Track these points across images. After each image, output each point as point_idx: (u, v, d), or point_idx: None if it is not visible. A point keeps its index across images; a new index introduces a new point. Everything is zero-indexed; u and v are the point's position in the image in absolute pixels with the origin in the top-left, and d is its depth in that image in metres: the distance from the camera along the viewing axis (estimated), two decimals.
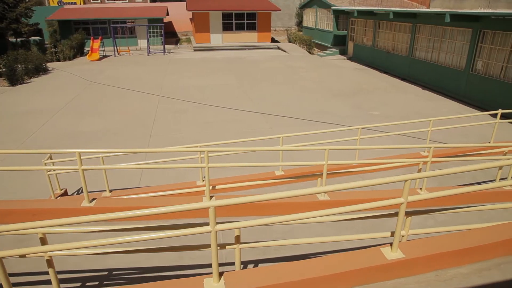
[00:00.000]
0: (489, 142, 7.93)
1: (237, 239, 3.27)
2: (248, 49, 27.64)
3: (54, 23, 28.06)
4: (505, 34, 11.65)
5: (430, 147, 5.13)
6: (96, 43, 24.74)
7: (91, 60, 23.80)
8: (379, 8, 19.14)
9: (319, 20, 27.04)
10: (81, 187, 8.05)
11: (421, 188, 5.52)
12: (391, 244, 3.36)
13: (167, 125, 11.34)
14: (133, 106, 13.32)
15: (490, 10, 13.65)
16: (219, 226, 2.94)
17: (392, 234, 3.47)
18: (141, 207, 4.64)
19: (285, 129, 10.41)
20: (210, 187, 5.92)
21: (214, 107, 12.95)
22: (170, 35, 35.74)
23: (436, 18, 14.27)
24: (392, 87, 15.90)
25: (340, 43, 24.50)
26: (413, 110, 12.56)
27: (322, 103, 13.35)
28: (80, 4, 34.94)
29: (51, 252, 3.17)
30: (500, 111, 7.59)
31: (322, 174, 6.85)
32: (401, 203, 3.08)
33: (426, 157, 7.03)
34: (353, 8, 20.89)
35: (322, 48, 26.17)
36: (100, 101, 14.15)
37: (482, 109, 12.48)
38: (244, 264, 4.21)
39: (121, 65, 22.13)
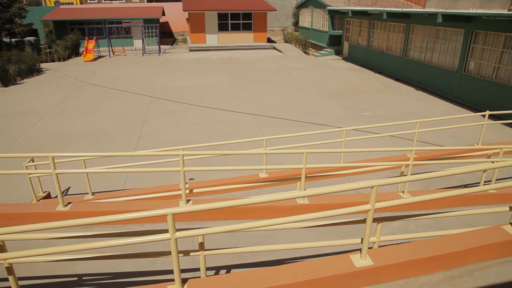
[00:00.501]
0: (477, 144, 7.86)
1: (201, 246, 3.20)
2: (244, 49, 27.56)
3: (50, 24, 27.96)
4: (496, 35, 11.58)
5: (411, 150, 5.04)
6: (91, 44, 24.65)
7: (86, 61, 23.71)
8: (373, 8, 19.06)
9: (315, 20, 26.97)
10: (69, 188, 8.04)
11: (403, 192, 5.45)
12: (360, 251, 3.29)
13: (156, 126, 11.26)
14: (123, 107, 13.23)
15: (482, 11, 13.59)
16: (178, 234, 2.87)
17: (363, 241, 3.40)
18: (113, 212, 4.57)
19: (275, 130, 10.33)
20: (189, 191, 5.84)
21: (205, 108, 12.87)
22: (166, 35, 35.66)
23: (428, 18, 14.20)
24: (385, 88, 15.83)
25: (335, 43, 24.42)
26: (405, 110, 12.49)
27: (314, 104, 13.28)
28: (76, 4, 34.81)
29: (11, 260, 3.09)
30: (487, 112, 7.52)
31: (306, 176, 6.79)
32: (368, 210, 3.00)
33: (416, 159, 6.96)
34: (348, 8, 20.82)
35: (318, 48, 26.10)
36: (91, 102, 14.06)
37: (475, 109, 12.42)
38: (217, 269, 4.13)
39: (115, 65, 22.04)
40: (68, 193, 7.68)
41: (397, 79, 17.19)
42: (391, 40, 17.95)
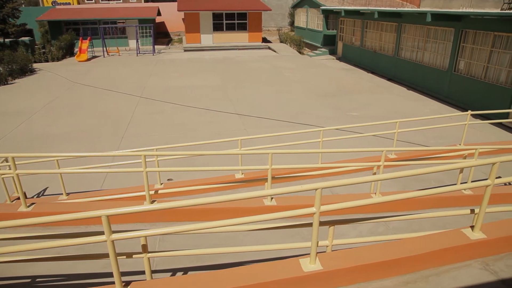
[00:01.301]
0: (459, 144, 7.74)
1: (144, 248, 3.10)
2: (239, 49, 27.47)
3: (46, 24, 27.95)
4: (485, 34, 11.45)
5: (383, 151, 4.93)
6: (85, 44, 24.59)
7: (79, 61, 23.65)
8: (365, 8, 18.95)
9: (309, 20, 26.86)
10: (46, 189, 7.96)
11: (375, 193, 5.34)
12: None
13: (141, 126, 11.17)
14: (111, 108, 13.15)
15: (472, 10, 13.45)
16: (115, 236, 2.77)
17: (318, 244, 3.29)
18: (73, 212, 4.47)
19: (259, 130, 10.22)
20: (152, 192, 5.74)
21: (192, 108, 12.78)
22: (162, 35, 35.60)
23: (418, 18, 14.08)
24: (377, 88, 15.71)
25: (330, 43, 24.31)
26: (394, 110, 12.37)
27: (303, 104, 13.17)
28: (73, 4, 34.77)
29: None
30: (469, 113, 7.40)
31: (286, 176, 6.68)
32: (314, 213, 2.90)
33: (390, 160, 6.86)
34: (341, 7, 20.70)
35: (313, 48, 25.99)
36: (80, 102, 13.99)
37: (464, 109, 12.28)
38: (174, 271, 4.03)
39: (108, 66, 21.98)
40: (44, 194, 7.61)
41: (389, 79, 17.07)
42: (383, 40, 17.83)
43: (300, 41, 26.17)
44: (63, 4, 34.50)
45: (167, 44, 31.47)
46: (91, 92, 15.54)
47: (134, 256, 3.21)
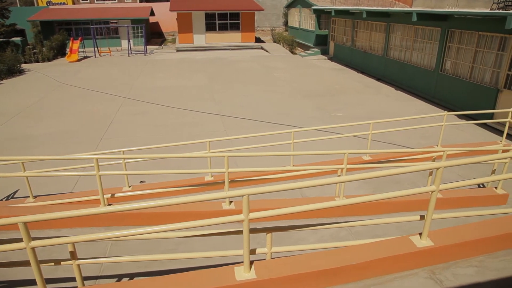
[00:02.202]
0: (436, 146, 7.60)
1: (72, 255, 2.96)
2: (231, 49, 27.33)
3: (39, 24, 27.81)
4: (470, 33, 11.32)
5: (345, 153, 4.79)
6: (76, 44, 24.45)
7: (70, 61, 23.51)
8: (355, 7, 18.81)
9: (302, 19, 26.72)
10: (17, 191, 7.81)
11: (339, 196, 5.20)
12: (251, 262, 3.05)
13: (122, 127, 11.04)
14: (95, 108, 13.01)
15: (458, 9, 13.32)
16: (35, 243, 2.64)
17: (252, 251, 3.16)
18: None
19: (240, 131, 10.08)
20: (123, 194, 5.61)
21: (176, 109, 12.65)
22: (156, 36, 35.46)
23: (405, 17, 13.94)
24: (365, 88, 15.57)
25: (322, 43, 24.17)
26: (380, 110, 12.23)
27: (288, 105, 13.03)
28: (67, 4, 34.62)
29: None
30: (445, 113, 7.27)
31: (258, 178, 6.54)
32: (242, 220, 2.76)
33: (357, 162, 6.72)
34: (331, 7, 20.56)
35: (305, 48, 25.85)
36: (63, 103, 13.86)
37: (451, 110, 12.15)
38: (120, 277, 3.90)
39: (98, 66, 21.84)
40: (14, 196, 7.47)
41: (378, 79, 16.93)
42: (373, 40, 17.69)
43: (292, 41, 26.04)
44: (58, 4, 34.39)
45: (160, 44, 31.33)
46: (77, 93, 15.41)
47: (62, 263, 3.07)
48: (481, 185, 6.59)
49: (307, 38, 25.74)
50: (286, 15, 33.71)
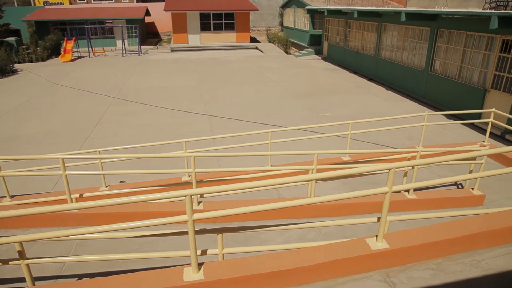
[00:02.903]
0: (418, 146, 7.55)
1: (21, 255, 2.91)
2: (226, 49, 27.28)
3: (34, 24, 27.77)
4: (458, 33, 11.26)
5: (314, 153, 4.74)
6: (70, 44, 24.41)
7: (64, 61, 23.47)
8: (346, 7, 18.76)
9: (297, 19, 26.68)
10: None
11: (310, 197, 5.15)
12: (200, 264, 3.00)
13: (108, 127, 10.99)
14: (83, 109, 12.97)
15: (447, 9, 13.26)
16: None
17: (203, 252, 3.11)
18: None
19: (225, 132, 10.03)
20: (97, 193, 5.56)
21: (164, 109, 12.60)
22: (152, 36, 35.43)
23: (395, 17, 13.89)
24: (356, 88, 15.51)
25: (316, 43, 24.12)
26: (368, 111, 12.18)
27: (277, 105, 12.98)
28: (63, 3, 34.58)
29: None
30: (426, 113, 7.21)
31: (236, 178, 6.49)
32: (186, 221, 2.72)
33: (343, 162, 6.67)
34: (324, 7, 20.51)
35: (300, 48, 25.80)
36: (53, 103, 13.81)
37: (440, 110, 12.10)
38: (80, 276, 3.86)
39: (91, 66, 21.80)
40: None
41: (370, 79, 16.88)
42: (365, 40, 17.64)
43: (286, 41, 25.98)
44: (55, 4, 34.35)
45: (155, 44, 31.29)
46: (67, 93, 15.36)
47: (10, 262, 3.02)
48: (459, 186, 6.54)
49: (302, 38, 25.69)
50: (282, 15, 33.67)
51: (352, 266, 3.10)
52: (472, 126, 10.67)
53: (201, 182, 5.88)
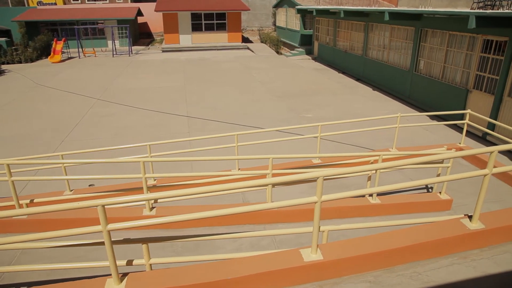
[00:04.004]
0: (391, 149, 7.41)
1: None
2: (217, 49, 27.12)
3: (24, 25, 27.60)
4: (442, 33, 11.12)
5: (269, 158, 4.59)
6: (59, 45, 24.25)
7: (53, 62, 23.31)
8: (334, 7, 18.61)
9: (288, 19, 26.53)
10: None
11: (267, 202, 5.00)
12: (123, 275, 2.86)
13: (86, 130, 10.84)
14: (64, 110, 12.81)
15: (430, 8, 13.11)
16: None
17: (129, 263, 2.97)
18: None
19: (202, 133, 9.87)
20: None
21: (145, 111, 12.45)
22: (145, 36, 35.26)
23: (380, 17, 13.74)
24: (342, 88, 15.36)
25: (307, 43, 23.97)
26: (350, 111, 12.03)
27: (259, 106, 12.83)
28: (55, 4, 34.39)
29: None
30: (399, 115, 7.06)
31: (197, 182, 6.35)
32: (101, 231, 2.57)
33: (313, 165, 6.52)
34: (313, 7, 20.36)
35: (291, 48, 25.66)
36: (34, 105, 13.66)
37: (424, 110, 11.96)
38: (17, 286, 3.71)
39: (80, 67, 21.64)
40: None
41: (358, 79, 16.73)
42: (353, 40, 17.49)
43: (277, 40, 25.83)
44: (49, 4, 34.17)
45: (147, 45, 31.13)
46: (51, 94, 15.21)
47: None
48: (430, 190, 6.39)
49: (293, 38, 25.54)
50: (275, 15, 33.52)
51: (284, 278, 2.95)
52: (456, 127, 10.53)
53: (154, 187, 5.73)
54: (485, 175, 3.18)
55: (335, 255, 3.01)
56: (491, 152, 3.09)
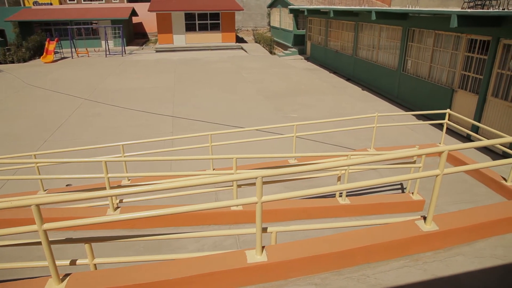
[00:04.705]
0: (369, 149, 7.35)
1: None
2: (211, 49, 27.08)
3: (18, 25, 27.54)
4: (428, 32, 11.07)
5: (233, 158, 4.54)
6: (52, 45, 24.21)
7: (45, 62, 23.27)
8: (325, 7, 18.56)
9: (282, 19, 26.49)
10: None
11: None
12: (65, 275, 2.80)
13: (71, 130, 10.79)
14: (50, 110, 12.76)
15: (421, 8, 13.06)
16: None
17: (73, 262, 2.91)
18: None
19: (186, 133, 9.79)
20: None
21: (131, 111, 12.40)
22: (140, 36, 35.22)
23: (369, 17, 13.68)
24: (331, 88, 15.31)
25: (300, 43, 23.92)
26: (336, 111, 11.98)
27: (246, 106, 12.78)
28: (51, 4, 34.32)
29: None
30: (376, 115, 7.01)
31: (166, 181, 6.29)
32: (36, 230, 2.51)
33: (273, 166, 6.47)
34: (305, 7, 20.31)
35: (285, 48, 25.61)
36: (21, 105, 13.61)
37: (411, 110, 11.91)
38: None
39: (72, 67, 21.60)
40: None
41: (348, 79, 16.68)
42: (344, 39, 17.45)
43: (270, 40, 25.79)
44: (44, 4, 34.11)
45: (142, 45, 31.09)
46: (40, 94, 15.16)
47: None
48: (405, 190, 6.33)
49: (286, 38, 25.50)
50: (270, 15, 33.48)
51: (227, 279, 2.89)
52: (441, 126, 10.47)
53: (119, 187, 5.68)
54: (436, 175, 3.12)
55: (281, 256, 2.95)
56: (442, 152, 3.04)
